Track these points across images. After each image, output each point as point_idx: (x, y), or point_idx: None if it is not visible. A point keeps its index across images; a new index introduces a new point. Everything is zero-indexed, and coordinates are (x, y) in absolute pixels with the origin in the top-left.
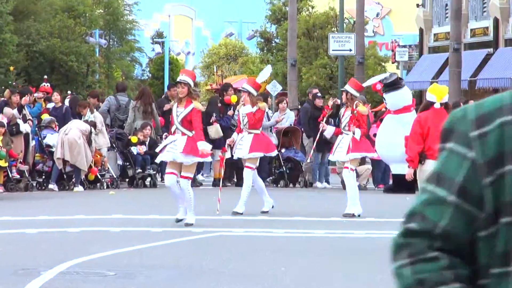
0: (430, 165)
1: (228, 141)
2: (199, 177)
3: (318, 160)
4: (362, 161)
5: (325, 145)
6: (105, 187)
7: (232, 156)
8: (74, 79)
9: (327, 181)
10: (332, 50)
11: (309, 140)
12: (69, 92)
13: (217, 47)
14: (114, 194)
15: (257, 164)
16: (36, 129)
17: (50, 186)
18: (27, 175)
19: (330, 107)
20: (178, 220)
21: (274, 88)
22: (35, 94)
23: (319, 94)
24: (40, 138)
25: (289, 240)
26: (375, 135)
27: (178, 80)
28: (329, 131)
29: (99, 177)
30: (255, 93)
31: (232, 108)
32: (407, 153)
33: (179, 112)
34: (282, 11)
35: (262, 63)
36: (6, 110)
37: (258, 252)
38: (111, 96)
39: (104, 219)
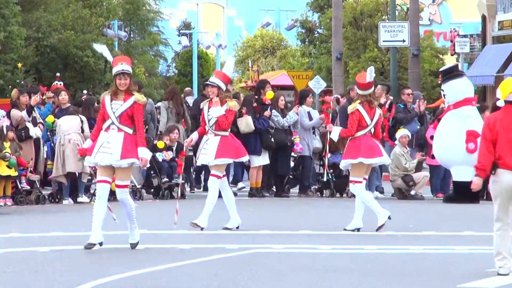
0: (504, 176)
1: (186, 142)
2: (240, 184)
3: None
4: (419, 168)
5: None
6: None
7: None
8: (90, 76)
9: (381, 191)
10: (383, 41)
11: None
12: (84, 91)
13: (252, 39)
14: (136, 206)
15: (224, 171)
16: (48, 133)
17: (65, 202)
18: (38, 186)
19: (385, 105)
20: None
21: (318, 84)
22: (46, 94)
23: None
24: (52, 144)
25: (335, 257)
26: (432, 137)
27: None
28: (335, 132)
29: None
30: (224, 87)
31: (269, 108)
32: (478, 160)
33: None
34: None
35: (304, 56)
36: (14, 112)
37: (300, 271)
38: None
39: (126, 235)
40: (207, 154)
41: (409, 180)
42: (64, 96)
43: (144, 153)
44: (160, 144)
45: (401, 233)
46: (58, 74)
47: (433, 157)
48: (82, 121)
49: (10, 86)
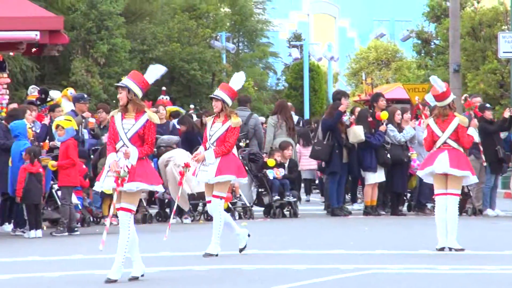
0: None
1: (194, 155)
2: (355, 206)
3: (491, 184)
4: None
5: (499, 166)
6: (236, 218)
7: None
8: (197, 90)
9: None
10: (503, 52)
11: (476, 161)
12: (191, 105)
13: (365, 51)
14: (246, 225)
15: (226, 192)
16: (155, 149)
17: (172, 221)
18: (144, 204)
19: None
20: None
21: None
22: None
23: (488, 105)
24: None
25: (456, 278)
26: None
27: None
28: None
29: (230, 205)
30: (230, 102)
31: (385, 123)
32: None
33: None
34: (442, 6)
35: (420, 68)
36: None
37: None
38: None
39: (235, 255)
40: (207, 172)
41: None
42: (162, 111)
43: (132, 157)
44: (270, 162)
45: None
46: (164, 88)
47: None
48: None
49: (114, 101)
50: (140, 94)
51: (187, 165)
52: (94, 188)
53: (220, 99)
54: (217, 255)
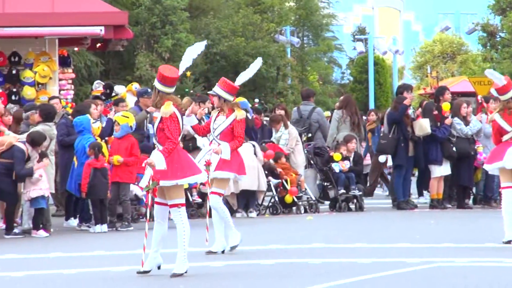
0: None
1: (212, 150)
2: (421, 199)
3: None
4: None
5: None
6: (302, 212)
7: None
8: (262, 84)
9: None
10: None
11: None
12: (256, 100)
13: (430, 44)
14: (312, 219)
15: (226, 190)
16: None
17: (238, 215)
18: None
19: None
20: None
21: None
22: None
23: None
24: None
25: None
26: None
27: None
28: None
29: (295, 199)
30: (229, 97)
31: (450, 116)
32: None
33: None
34: None
35: (485, 61)
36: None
37: (486, 287)
38: (294, 109)
39: (302, 249)
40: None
41: None
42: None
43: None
44: (336, 157)
45: None
46: None
47: None
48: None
49: (178, 96)
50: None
51: (208, 163)
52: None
53: (215, 95)
54: (223, 251)
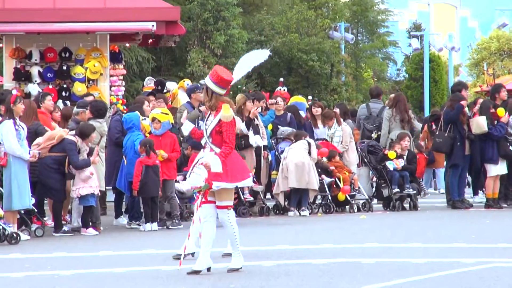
0: None
1: (200, 163)
2: (476, 198)
3: None
4: None
5: None
6: (355, 210)
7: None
8: (316, 81)
9: None
10: None
11: None
12: (309, 97)
13: (487, 41)
14: (365, 218)
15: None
16: (272, 141)
17: (290, 213)
18: (262, 197)
19: None
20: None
21: None
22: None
23: None
24: (277, 153)
25: None
26: None
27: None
28: None
29: (348, 198)
30: (218, 90)
31: (507, 114)
32: None
33: (207, 122)
34: None
35: None
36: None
37: None
38: (362, 105)
39: (355, 248)
40: (200, 175)
41: None
42: (280, 102)
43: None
44: (391, 155)
45: None
46: (281, 79)
47: None
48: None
49: (231, 92)
50: (217, 90)
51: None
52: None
53: (204, 85)
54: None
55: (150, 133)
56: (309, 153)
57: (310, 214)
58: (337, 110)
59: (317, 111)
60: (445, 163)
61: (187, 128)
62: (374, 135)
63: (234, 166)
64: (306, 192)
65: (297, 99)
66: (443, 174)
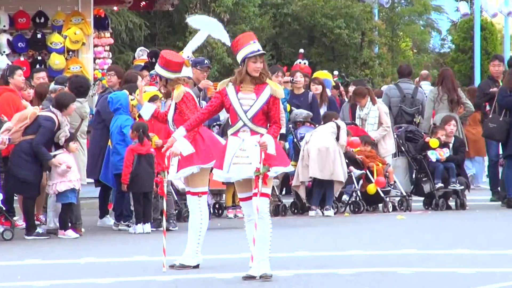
0: None
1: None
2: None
3: None
4: None
5: None
6: (390, 209)
7: None
8: (343, 53)
9: None
10: None
11: None
12: (335, 72)
13: None
14: (404, 218)
15: (206, 185)
16: (290, 126)
17: (311, 213)
18: (277, 193)
19: None
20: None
21: None
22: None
23: None
24: (295, 139)
25: None
26: None
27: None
28: None
29: (381, 194)
30: (169, 75)
31: None
32: None
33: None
34: None
35: None
36: None
37: None
38: (390, 86)
39: (389, 255)
40: (173, 165)
41: None
42: (299, 79)
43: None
44: (433, 143)
45: None
46: (301, 50)
47: None
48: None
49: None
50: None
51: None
52: (214, 178)
53: (156, 75)
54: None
55: (139, 116)
56: (337, 138)
57: (335, 213)
58: (320, 88)
59: (316, 88)
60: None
61: (148, 110)
62: (416, 120)
63: (279, 150)
64: (330, 187)
65: (322, 74)
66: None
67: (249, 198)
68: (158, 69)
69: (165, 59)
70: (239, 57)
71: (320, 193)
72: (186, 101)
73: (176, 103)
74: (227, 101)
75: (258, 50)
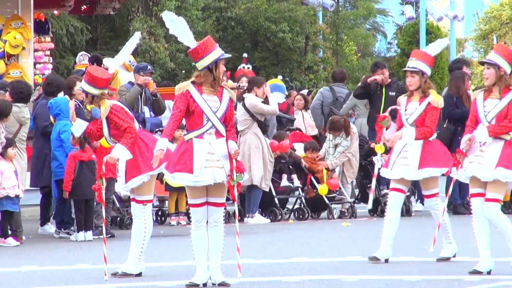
0: None
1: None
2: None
3: None
4: None
5: None
6: (335, 216)
7: None
8: (287, 57)
9: None
10: None
11: None
12: (279, 77)
13: (497, 8)
14: (349, 225)
15: (151, 193)
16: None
17: (246, 220)
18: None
19: None
20: None
21: None
22: (229, 81)
23: None
24: None
25: None
26: None
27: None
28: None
29: (327, 201)
30: (94, 91)
31: None
32: None
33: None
34: None
35: None
36: None
37: None
38: (325, 87)
39: (334, 263)
40: (120, 176)
41: None
42: (245, 84)
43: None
44: (378, 148)
45: None
46: (245, 55)
47: None
48: None
49: (183, 71)
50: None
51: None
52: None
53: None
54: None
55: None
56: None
57: (280, 220)
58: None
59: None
60: None
61: (79, 127)
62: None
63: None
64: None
65: (275, 81)
66: None
67: (203, 204)
68: (84, 85)
69: (91, 75)
70: (208, 60)
71: (250, 198)
72: (116, 112)
73: (106, 118)
74: (193, 102)
75: (223, 54)
